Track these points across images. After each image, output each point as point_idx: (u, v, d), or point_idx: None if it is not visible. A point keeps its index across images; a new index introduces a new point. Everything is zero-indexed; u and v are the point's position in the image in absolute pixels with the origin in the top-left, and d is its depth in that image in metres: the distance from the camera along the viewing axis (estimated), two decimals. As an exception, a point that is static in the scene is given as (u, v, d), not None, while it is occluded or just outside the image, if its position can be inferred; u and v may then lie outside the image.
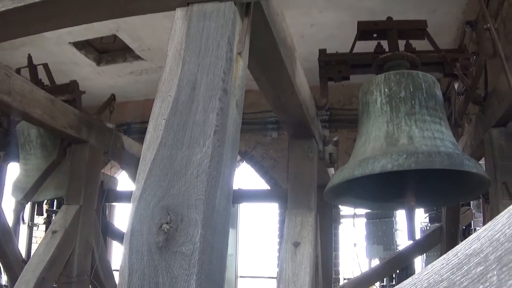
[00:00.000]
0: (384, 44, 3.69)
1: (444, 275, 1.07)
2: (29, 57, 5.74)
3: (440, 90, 3.35)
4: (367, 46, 3.73)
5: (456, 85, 3.88)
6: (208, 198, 1.35)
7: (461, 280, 1.05)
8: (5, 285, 7.74)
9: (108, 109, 5.54)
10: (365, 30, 3.83)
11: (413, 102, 3.15)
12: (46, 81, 5.73)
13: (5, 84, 3.74)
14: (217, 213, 1.40)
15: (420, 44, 3.70)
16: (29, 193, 5.11)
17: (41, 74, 5.76)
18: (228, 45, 1.58)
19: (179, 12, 1.73)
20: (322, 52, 3.84)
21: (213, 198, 1.38)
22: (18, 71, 5.60)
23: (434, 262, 1.11)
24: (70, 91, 5.31)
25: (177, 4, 1.76)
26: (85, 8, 2.03)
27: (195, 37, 1.62)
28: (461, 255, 1.07)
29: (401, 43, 3.66)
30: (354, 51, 3.80)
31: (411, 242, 6.17)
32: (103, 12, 2.11)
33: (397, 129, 3.06)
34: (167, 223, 1.31)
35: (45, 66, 5.69)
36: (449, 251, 1.10)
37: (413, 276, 1.11)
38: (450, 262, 1.08)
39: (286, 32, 2.56)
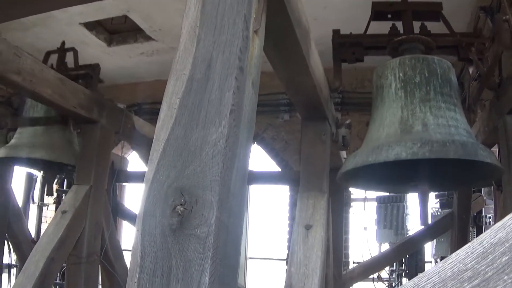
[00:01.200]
0: (399, 25, 3.65)
1: (469, 264, 1.04)
2: (63, 43, 5.71)
3: (455, 76, 3.31)
4: (381, 28, 3.69)
5: (470, 70, 3.83)
6: (223, 180, 1.31)
7: (486, 270, 1.02)
8: (14, 265, 7.79)
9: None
10: (379, 11, 3.79)
11: (428, 88, 3.13)
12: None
13: (15, 63, 3.70)
14: (233, 195, 1.36)
15: (435, 27, 3.65)
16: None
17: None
18: (244, 22, 1.53)
19: (194, -11, 1.68)
20: (336, 32, 3.81)
21: (228, 179, 1.34)
22: (47, 54, 5.59)
23: (459, 251, 1.07)
24: (90, 71, 5.29)
25: (192, -20, 1.71)
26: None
27: (210, 14, 1.57)
28: (486, 244, 1.03)
29: (416, 25, 3.62)
30: (368, 32, 3.76)
31: (421, 227, 6.16)
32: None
33: (412, 115, 3.05)
34: (181, 204, 1.27)
35: (74, 51, 5.66)
36: (474, 239, 1.06)
37: (437, 264, 1.08)
38: (475, 251, 1.04)
39: (301, 12, 2.51)
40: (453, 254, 1.06)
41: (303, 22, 2.57)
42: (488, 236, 1.04)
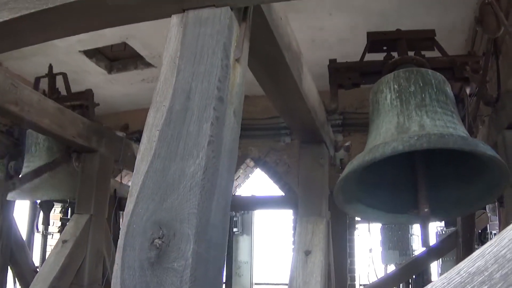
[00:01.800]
0: (394, 54, 3.66)
1: (445, 296, 1.02)
2: (50, 67, 5.78)
3: (451, 89, 3.30)
4: (377, 57, 3.72)
5: (468, 90, 3.83)
6: (201, 212, 1.30)
7: (463, 302, 1.00)
8: (18, 294, 7.76)
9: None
10: (374, 40, 3.81)
11: (423, 95, 3.10)
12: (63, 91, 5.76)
13: (12, 94, 3.73)
14: (212, 226, 1.35)
15: (429, 53, 3.67)
16: (17, 181, 5.14)
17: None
18: (223, 51, 1.53)
19: (175, 19, 1.69)
20: (332, 61, 3.83)
21: (207, 211, 1.33)
22: (37, 80, 5.63)
23: (435, 281, 1.05)
24: (85, 99, 5.32)
25: (172, 10, 1.71)
26: (79, 18, 2.01)
27: (190, 44, 1.57)
28: (464, 274, 1.01)
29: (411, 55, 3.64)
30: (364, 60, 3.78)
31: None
32: (98, 22, 2.08)
33: (408, 119, 2.99)
34: (159, 238, 1.27)
35: (64, 76, 5.71)
36: (451, 269, 1.03)
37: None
38: (452, 281, 1.02)
39: (291, 37, 2.52)
40: (429, 285, 1.05)
41: (293, 46, 2.58)
42: (466, 265, 1.02)
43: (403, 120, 3.00)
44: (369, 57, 3.77)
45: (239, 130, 1.63)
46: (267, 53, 2.29)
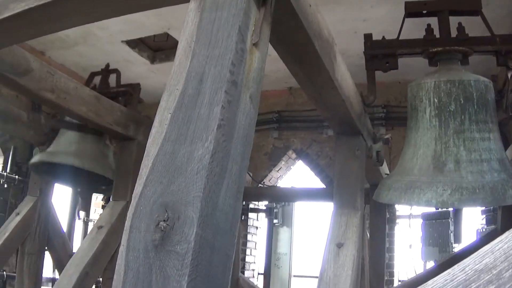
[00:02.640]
0: (434, 24, 3.60)
1: (446, 294, 0.96)
2: (107, 65, 5.84)
3: (493, 95, 3.25)
4: (416, 26, 3.65)
5: (509, 74, 3.72)
6: (208, 196, 1.29)
7: (467, 302, 0.93)
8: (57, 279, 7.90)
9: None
10: (413, 13, 3.73)
11: (462, 117, 3.16)
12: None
13: (48, 81, 3.79)
14: (221, 211, 1.34)
15: (473, 26, 3.61)
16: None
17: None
18: (238, 35, 1.52)
19: (193, 4, 1.68)
20: (368, 38, 3.80)
21: (215, 195, 1.32)
22: (91, 76, 5.71)
23: (437, 278, 0.99)
24: (130, 90, 5.37)
25: (191, -5, 1.71)
26: (103, 4, 2.04)
27: (206, 28, 1.56)
28: (470, 271, 0.94)
29: (453, 22, 3.59)
30: (403, 32, 3.70)
31: (467, 244, 6.02)
32: (120, 7, 2.09)
33: (445, 150, 3.14)
34: (164, 220, 1.26)
35: (118, 73, 5.77)
36: (456, 265, 0.97)
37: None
38: (455, 278, 0.95)
39: (321, 25, 2.48)
40: (430, 281, 0.99)
41: (324, 34, 2.54)
42: (473, 261, 0.96)
43: (440, 150, 3.14)
44: (408, 26, 3.71)
45: (256, 115, 1.61)
46: (296, 41, 2.27)
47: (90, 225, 10.00)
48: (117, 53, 8.05)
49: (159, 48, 8.54)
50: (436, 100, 3.23)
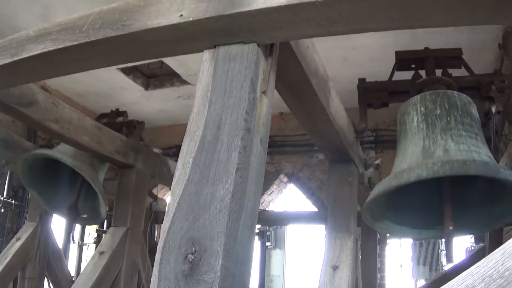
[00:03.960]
0: (422, 73, 3.76)
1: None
2: (117, 109, 5.92)
3: (476, 110, 3.39)
4: (405, 76, 3.83)
5: (493, 108, 3.90)
6: (229, 231, 1.47)
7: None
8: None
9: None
10: (403, 59, 3.91)
11: (448, 118, 3.18)
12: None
13: (53, 112, 3.94)
14: (239, 244, 1.52)
15: (457, 72, 3.76)
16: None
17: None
18: (250, 86, 1.70)
19: (207, 54, 1.87)
20: (361, 81, 3.95)
21: (235, 230, 1.50)
22: (100, 117, 5.80)
23: None
24: (136, 123, 5.52)
25: (205, 46, 1.89)
26: (118, 51, 2.18)
27: (220, 78, 1.74)
28: None
29: (438, 73, 3.72)
30: (393, 79, 3.88)
31: (456, 262, 6.15)
32: (135, 55, 2.26)
33: (433, 143, 3.08)
34: (192, 253, 1.44)
35: (125, 114, 5.86)
36: (443, 286, 1.17)
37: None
38: None
39: (318, 63, 2.65)
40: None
41: (320, 72, 2.70)
42: (456, 283, 1.16)
43: (428, 144, 3.11)
44: (398, 75, 3.88)
45: (265, 156, 1.79)
46: (295, 80, 2.43)
47: (85, 249, 10.11)
48: (112, 80, 8.20)
49: (153, 75, 8.69)
50: (422, 108, 3.30)
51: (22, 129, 8.34)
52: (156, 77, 8.73)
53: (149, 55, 2.22)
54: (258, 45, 1.82)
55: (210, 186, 1.54)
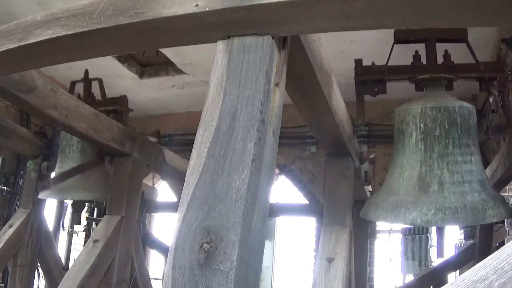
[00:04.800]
0: (421, 51, 3.77)
1: (453, 299, 1.20)
2: (86, 72, 5.98)
3: (475, 121, 3.43)
4: (404, 54, 3.79)
5: (491, 99, 3.90)
6: (245, 221, 1.48)
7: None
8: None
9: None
10: (402, 40, 3.89)
11: (446, 141, 3.32)
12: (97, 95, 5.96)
13: (52, 99, 3.94)
14: (253, 234, 1.53)
15: (458, 53, 3.78)
16: (51, 181, 5.33)
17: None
18: (265, 78, 1.71)
19: (221, 45, 1.87)
20: (358, 63, 3.94)
21: (249, 221, 1.51)
22: (73, 84, 5.83)
23: (444, 286, 1.23)
24: (119, 105, 5.51)
25: (218, 37, 1.90)
26: (130, 39, 2.17)
27: (235, 69, 1.75)
28: (468, 281, 1.19)
29: (439, 49, 3.75)
30: (391, 59, 3.88)
31: (445, 258, 6.21)
32: (147, 43, 2.26)
33: (429, 172, 3.31)
34: (207, 242, 1.45)
35: (99, 81, 5.91)
36: (457, 278, 1.22)
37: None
38: (457, 287, 1.20)
39: (323, 57, 2.66)
40: None
41: (324, 66, 2.71)
42: (470, 274, 1.21)
43: (425, 172, 3.32)
44: (396, 53, 3.87)
45: (277, 148, 1.81)
46: (301, 73, 2.44)
47: (74, 237, 10.08)
48: (107, 67, 8.16)
49: (148, 63, 8.66)
50: (422, 125, 3.39)
51: (14, 115, 8.32)
52: (151, 66, 8.70)
53: (161, 43, 2.22)
54: (273, 37, 1.83)
55: (225, 176, 1.56)
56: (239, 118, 1.65)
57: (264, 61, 1.75)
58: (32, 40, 2.27)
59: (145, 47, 2.28)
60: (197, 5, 1.82)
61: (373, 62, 3.93)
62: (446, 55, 3.75)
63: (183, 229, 1.51)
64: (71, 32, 2.15)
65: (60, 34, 2.18)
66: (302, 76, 2.48)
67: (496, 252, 1.23)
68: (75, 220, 6.83)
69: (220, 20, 1.83)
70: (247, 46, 1.80)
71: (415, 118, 3.44)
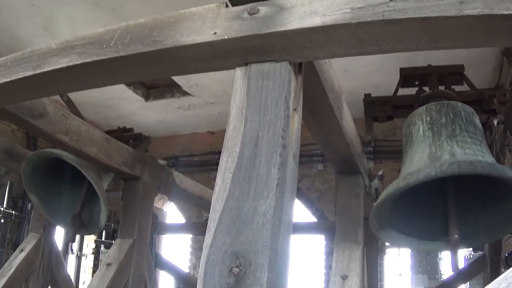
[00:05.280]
0: (426, 89, 3.83)
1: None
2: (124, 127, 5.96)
3: (479, 121, 3.46)
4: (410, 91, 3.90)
5: (495, 121, 3.97)
6: (272, 245, 1.52)
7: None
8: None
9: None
10: (407, 75, 3.99)
11: (453, 126, 3.25)
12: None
13: (63, 124, 3.97)
14: (280, 257, 1.57)
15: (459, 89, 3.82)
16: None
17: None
18: (285, 103, 1.76)
19: (239, 72, 1.92)
20: (367, 96, 4.04)
21: (275, 244, 1.55)
22: (108, 133, 5.81)
23: None
24: (143, 137, 5.55)
25: (236, 63, 1.95)
26: (148, 67, 2.21)
27: (255, 96, 1.80)
28: None
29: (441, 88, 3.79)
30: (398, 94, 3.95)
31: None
32: (166, 70, 2.29)
33: (440, 149, 3.14)
34: (236, 266, 1.49)
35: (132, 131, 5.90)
36: None
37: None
38: None
39: (333, 79, 2.71)
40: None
41: (335, 87, 2.77)
42: (493, 286, 1.26)
43: (435, 150, 3.16)
44: (402, 92, 3.95)
45: (297, 171, 1.85)
46: (314, 95, 2.48)
47: (83, 259, 10.11)
48: (112, 90, 8.21)
49: (153, 85, 8.74)
50: (428, 118, 3.37)
51: (21, 138, 8.39)
52: (157, 88, 8.78)
53: (178, 71, 2.26)
54: (290, 63, 1.88)
55: (251, 201, 1.60)
56: (261, 144, 1.69)
57: (283, 87, 1.79)
58: (48, 68, 2.30)
59: (162, 74, 2.32)
60: (215, 33, 1.87)
61: (381, 96, 4.02)
62: (448, 87, 3.83)
63: (211, 254, 1.55)
64: (88, 60, 2.19)
65: (78, 62, 2.21)
66: (314, 97, 2.52)
67: (518, 266, 1.30)
68: (71, 237, 6.82)
69: (238, 47, 1.88)
70: (265, 73, 1.85)
71: (420, 115, 3.44)
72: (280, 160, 1.65)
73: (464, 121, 3.31)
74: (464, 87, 3.86)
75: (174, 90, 8.53)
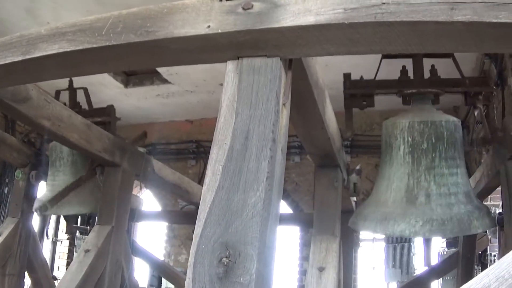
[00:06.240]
0: (409, 65, 3.85)
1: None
2: (70, 81, 5.96)
3: (461, 135, 3.53)
4: (392, 68, 3.89)
5: (476, 112, 4.00)
6: (261, 236, 1.56)
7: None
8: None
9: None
10: (390, 55, 3.97)
11: (433, 154, 3.42)
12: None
13: (45, 109, 3.95)
14: (267, 248, 1.61)
15: (444, 67, 3.85)
16: (48, 204, 5.32)
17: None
18: (275, 98, 1.79)
19: (230, 65, 1.95)
20: (347, 77, 4.01)
21: (264, 235, 1.59)
22: (57, 93, 5.82)
23: None
24: (107, 115, 5.54)
25: (228, 57, 1.97)
26: (140, 56, 2.22)
27: (246, 90, 1.83)
28: None
29: (426, 64, 3.83)
30: (379, 73, 3.98)
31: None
32: (156, 60, 2.31)
33: (417, 185, 3.40)
34: (226, 257, 1.53)
35: (85, 90, 5.93)
36: (463, 285, 1.35)
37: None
38: None
39: (318, 74, 2.74)
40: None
41: (319, 83, 2.80)
42: (475, 282, 1.34)
43: (412, 184, 3.41)
44: (383, 67, 3.95)
45: (285, 164, 1.89)
46: (299, 90, 2.50)
47: (58, 245, 10.08)
48: (92, 76, 8.10)
49: (133, 72, 8.71)
50: (410, 139, 3.47)
51: (-1, 123, 8.32)
52: (136, 75, 8.76)
53: (168, 61, 2.27)
54: (281, 59, 1.91)
55: (241, 193, 1.63)
56: (252, 137, 1.73)
57: (274, 82, 1.83)
58: (37, 54, 2.28)
59: (153, 64, 2.34)
60: (209, 26, 1.90)
61: (361, 76, 4.00)
62: (433, 70, 3.84)
63: (201, 244, 1.59)
64: (79, 47, 2.18)
65: (68, 49, 2.20)
66: (299, 92, 2.54)
67: (497, 262, 1.36)
68: (68, 230, 6.81)
69: (231, 41, 1.90)
70: (257, 68, 1.88)
71: (403, 132, 3.52)
72: (270, 154, 1.69)
73: (445, 145, 3.44)
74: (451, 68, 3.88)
75: (154, 77, 8.52)
